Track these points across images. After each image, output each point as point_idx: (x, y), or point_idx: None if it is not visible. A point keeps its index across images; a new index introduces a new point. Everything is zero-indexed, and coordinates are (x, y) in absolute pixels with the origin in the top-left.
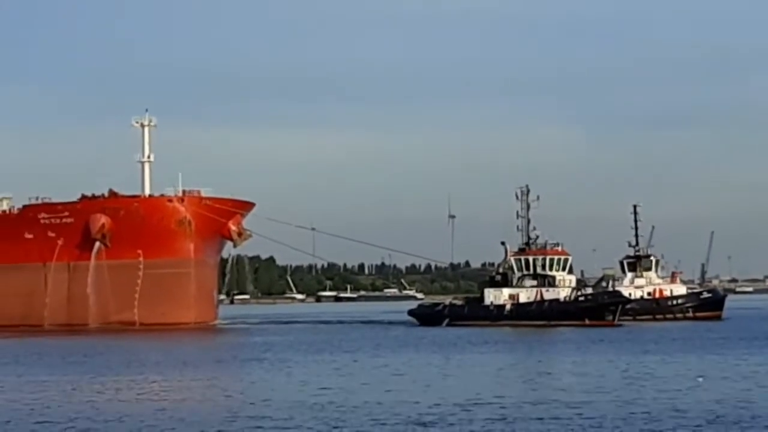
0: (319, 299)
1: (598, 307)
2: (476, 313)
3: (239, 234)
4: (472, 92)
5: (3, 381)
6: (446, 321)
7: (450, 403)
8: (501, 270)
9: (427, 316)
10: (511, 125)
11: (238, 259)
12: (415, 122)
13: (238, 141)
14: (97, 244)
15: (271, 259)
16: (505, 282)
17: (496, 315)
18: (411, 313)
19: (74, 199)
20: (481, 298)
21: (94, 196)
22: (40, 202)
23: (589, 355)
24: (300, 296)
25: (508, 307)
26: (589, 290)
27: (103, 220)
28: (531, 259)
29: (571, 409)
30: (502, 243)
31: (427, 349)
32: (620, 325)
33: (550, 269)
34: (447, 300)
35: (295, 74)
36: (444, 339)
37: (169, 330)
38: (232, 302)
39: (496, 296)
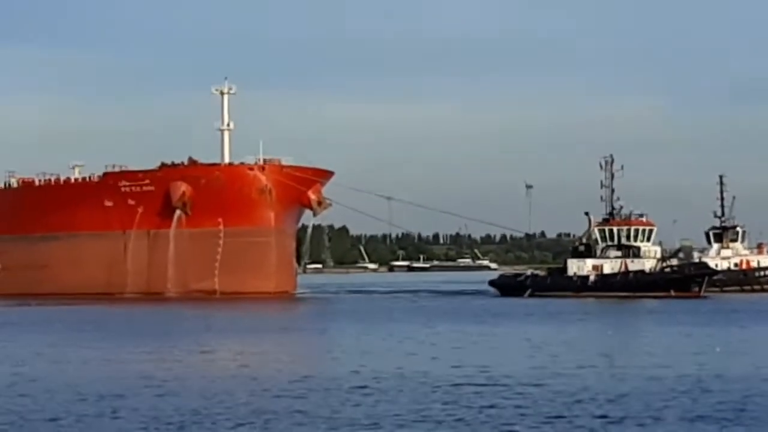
0: (391, 269)
1: (684, 279)
2: (559, 284)
3: (319, 203)
4: (553, 63)
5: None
6: (528, 291)
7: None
8: (584, 240)
9: (508, 287)
10: (592, 95)
11: (317, 228)
12: (494, 93)
13: (317, 110)
14: (178, 212)
15: (344, 229)
16: (588, 252)
17: (580, 286)
18: (492, 283)
19: (153, 167)
20: (564, 269)
21: (174, 164)
22: (118, 170)
23: (686, 327)
24: (372, 266)
25: (591, 278)
26: (674, 261)
27: (183, 188)
28: (615, 229)
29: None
30: (586, 213)
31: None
32: (706, 297)
33: (635, 240)
34: (528, 270)
35: (375, 46)
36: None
37: (251, 299)
38: (304, 271)
39: (580, 267)
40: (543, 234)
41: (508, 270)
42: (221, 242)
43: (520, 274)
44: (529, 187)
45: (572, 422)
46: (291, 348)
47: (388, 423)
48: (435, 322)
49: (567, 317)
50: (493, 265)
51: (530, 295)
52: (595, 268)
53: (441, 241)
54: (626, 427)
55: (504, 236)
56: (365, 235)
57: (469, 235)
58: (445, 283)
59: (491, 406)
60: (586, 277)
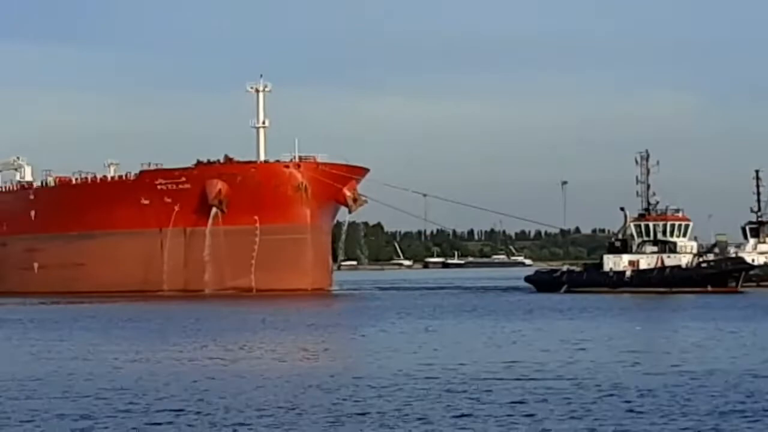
0: (426, 265)
1: (721, 274)
2: (595, 280)
3: (354, 200)
4: (587, 60)
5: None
6: (564, 287)
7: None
8: (620, 236)
9: (544, 283)
10: (627, 91)
11: (352, 225)
12: (529, 90)
13: (352, 107)
14: (214, 209)
15: (379, 226)
16: (624, 248)
17: (616, 281)
18: (528, 279)
19: (188, 165)
20: (600, 265)
21: (209, 162)
22: (154, 168)
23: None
24: (407, 262)
25: (628, 273)
26: (710, 256)
27: (219, 185)
28: (651, 224)
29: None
30: (622, 209)
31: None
32: (743, 292)
33: (671, 235)
34: (564, 266)
35: (410, 43)
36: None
37: (287, 296)
38: (339, 268)
39: (616, 262)
40: (577, 230)
41: (543, 266)
42: (257, 240)
43: (555, 270)
44: (564, 183)
45: (600, 417)
46: (328, 344)
47: (417, 418)
48: (471, 317)
49: (604, 313)
50: (528, 262)
51: (566, 291)
52: (631, 263)
53: (476, 237)
54: (652, 420)
55: (539, 232)
56: (400, 232)
57: (504, 232)
58: (480, 279)
59: (521, 402)
60: (623, 273)
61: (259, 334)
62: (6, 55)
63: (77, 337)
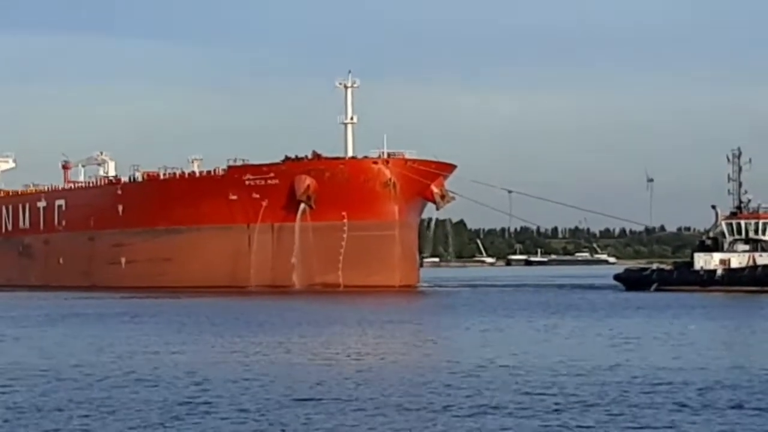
0: (509, 263)
1: None
2: (686, 278)
3: (442, 196)
4: (676, 55)
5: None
6: (654, 286)
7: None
8: (711, 234)
9: (634, 281)
10: (719, 86)
11: (439, 222)
12: (618, 85)
13: (438, 103)
14: (302, 205)
15: (462, 223)
16: (715, 247)
17: (707, 280)
18: (617, 277)
19: (274, 160)
20: (691, 263)
21: (297, 158)
22: (240, 163)
23: None
24: (490, 259)
25: (719, 272)
26: None
27: (308, 181)
28: (743, 223)
29: None
30: (713, 207)
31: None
32: None
33: (763, 234)
34: (654, 264)
35: (497, 38)
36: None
37: (375, 292)
38: (421, 265)
39: (707, 261)
40: (662, 228)
41: (629, 264)
42: (345, 236)
43: (645, 269)
44: (650, 180)
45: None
46: (416, 340)
47: (490, 411)
48: (559, 316)
49: (699, 312)
50: (612, 260)
51: (656, 290)
52: (722, 262)
53: (560, 234)
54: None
55: (623, 230)
56: (483, 229)
57: (588, 229)
58: (564, 277)
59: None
60: (713, 272)
61: (354, 330)
62: (87, 48)
63: (193, 333)
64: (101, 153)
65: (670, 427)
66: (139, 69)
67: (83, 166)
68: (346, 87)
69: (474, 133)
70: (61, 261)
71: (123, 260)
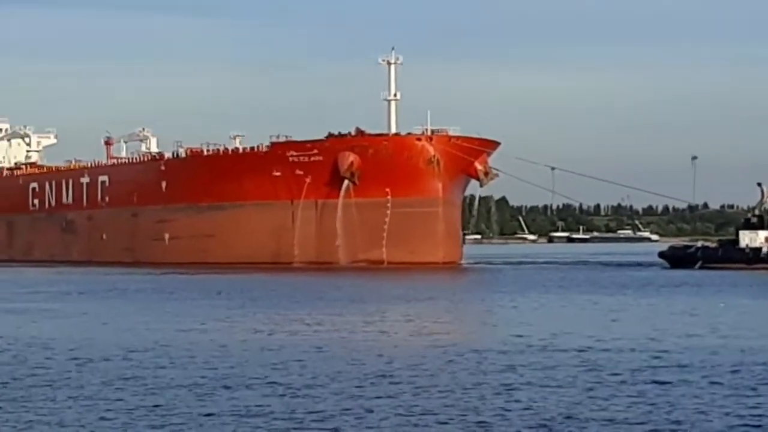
0: (551, 240)
1: None
2: (730, 256)
3: (486, 173)
4: (719, 31)
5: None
6: (699, 263)
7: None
8: (757, 212)
9: (678, 258)
10: (762, 64)
11: (482, 199)
12: (662, 61)
13: (483, 79)
14: (346, 182)
15: (503, 200)
16: (761, 224)
17: (752, 258)
18: (662, 255)
19: (317, 137)
20: (736, 241)
21: (341, 135)
22: (283, 140)
23: None
24: (532, 237)
25: (764, 249)
26: None
27: (351, 158)
28: None
29: None
30: (759, 184)
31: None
32: None
33: None
34: (698, 242)
35: (541, 15)
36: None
37: (419, 269)
38: (464, 242)
39: (752, 239)
40: (705, 205)
41: (672, 242)
42: (389, 212)
43: (690, 246)
44: (694, 158)
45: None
46: (456, 316)
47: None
48: (607, 293)
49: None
50: (654, 237)
51: (701, 267)
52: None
53: (602, 212)
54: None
55: (666, 207)
56: (525, 206)
57: (631, 206)
58: (607, 254)
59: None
60: (759, 249)
61: (402, 306)
62: (130, 26)
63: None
64: (143, 129)
65: None
66: (181, 46)
67: (125, 142)
68: (389, 63)
69: (517, 110)
70: (104, 237)
71: (166, 236)
